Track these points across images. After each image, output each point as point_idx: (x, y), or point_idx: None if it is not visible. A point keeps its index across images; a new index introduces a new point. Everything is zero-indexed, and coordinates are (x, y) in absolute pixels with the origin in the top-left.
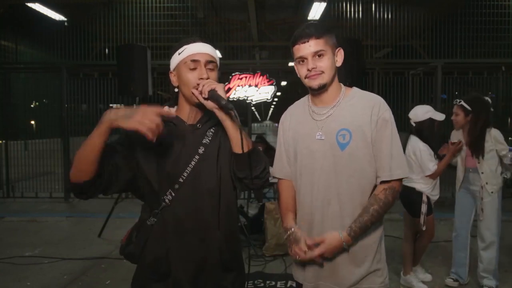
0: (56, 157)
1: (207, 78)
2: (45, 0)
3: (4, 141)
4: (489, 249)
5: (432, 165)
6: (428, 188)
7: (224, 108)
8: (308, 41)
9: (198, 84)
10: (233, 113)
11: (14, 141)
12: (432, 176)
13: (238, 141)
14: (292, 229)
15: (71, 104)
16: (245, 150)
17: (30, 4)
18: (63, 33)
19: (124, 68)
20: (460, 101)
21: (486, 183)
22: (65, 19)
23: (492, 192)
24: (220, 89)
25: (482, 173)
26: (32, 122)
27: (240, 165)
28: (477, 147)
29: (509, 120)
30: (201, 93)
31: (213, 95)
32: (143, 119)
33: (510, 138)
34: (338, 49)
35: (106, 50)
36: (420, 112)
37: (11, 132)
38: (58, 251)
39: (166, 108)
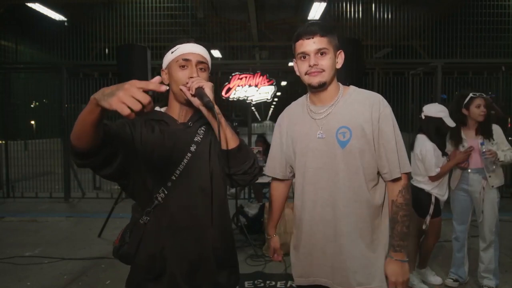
0: (56, 157)
1: (197, 77)
2: (45, 0)
3: (4, 141)
4: (489, 248)
5: (435, 166)
6: (435, 188)
7: (206, 106)
8: (312, 38)
9: (187, 82)
10: (214, 111)
11: (14, 141)
12: (432, 178)
13: (222, 138)
14: (270, 237)
15: (71, 104)
16: (231, 147)
17: (30, 4)
18: (63, 33)
19: (124, 68)
20: (483, 95)
21: (489, 176)
22: (65, 19)
23: (492, 186)
24: (207, 87)
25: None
26: (32, 122)
27: (227, 162)
28: (491, 131)
29: (509, 120)
30: (189, 89)
31: (199, 93)
32: (125, 97)
33: (510, 138)
34: (339, 51)
35: (106, 50)
36: (435, 109)
37: (11, 132)
38: (58, 251)
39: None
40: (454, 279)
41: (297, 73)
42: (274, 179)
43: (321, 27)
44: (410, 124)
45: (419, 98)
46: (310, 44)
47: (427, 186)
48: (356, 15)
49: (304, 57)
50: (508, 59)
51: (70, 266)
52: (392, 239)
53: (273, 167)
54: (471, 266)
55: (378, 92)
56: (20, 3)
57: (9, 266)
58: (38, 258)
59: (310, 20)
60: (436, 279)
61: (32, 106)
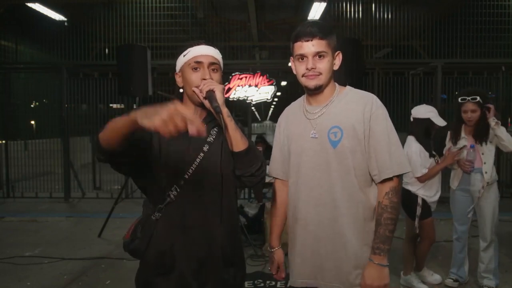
0: (56, 157)
1: (210, 79)
2: (45, 0)
3: (4, 141)
4: (489, 248)
5: (421, 167)
6: (421, 189)
7: (214, 110)
8: (311, 40)
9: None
10: (221, 116)
11: (14, 141)
12: (419, 179)
13: (230, 140)
14: (273, 250)
15: (71, 104)
16: (239, 149)
17: (30, 4)
18: (63, 33)
19: (124, 68)
20: (477, 98)
21: (486, 172)
22: (65, 19)
23: (488, 183)
24: (218, 90)
25: (485, 163)
26: (32, 122)
27: (236, 163)
28: (485, 135)
29: (509, 120)
30: (201, 91)
31: (209, 96)
32: (168, 119)
33: None
34: (337, 52)
35: (106, 50)
36: (423, 110)
37: (11, 132)
38: (58, 251)
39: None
40: (454, 279)
41: (294, 72)
42: (277, 180)
43: (321, 29)
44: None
45: (419, 98)
46: (308, 47)
47: (412, 187)
48: (356, 15)
49: (302, 59)
50: (508, 59)
51: (70, 266)
52: (374, 241)
53: (274, 168)
54: (471, 266)
55: (378, 92)
56: (20, 3)
57: (9, 266)
58: (38, 258)
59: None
60: (435, 279)
61: (32, 106)
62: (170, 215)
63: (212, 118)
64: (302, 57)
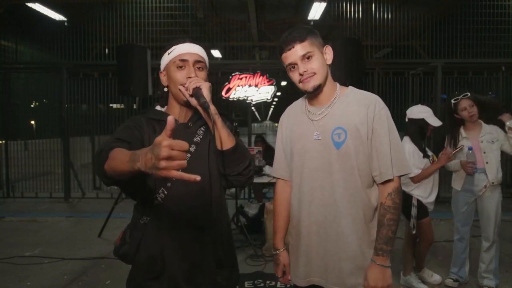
0: (56, 157)
1: (195, 77)
2: (45, 0)
3: (4, 141)
4: (491, 248)
5: (413, 168)
6: (415, 190)
7: (201, 106)
8: (293, 47)
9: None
10: (209, 112)
11: (14, 141)
12: (412, 180)
13: (217, 138)
14: (278, 252)
15: (71, 104)
16: (226, 147)
17: (30, 4)
18: (63, 33)
19: (124, 68)
20: (467, 94)
21: (489, 173)
22: (65, 19)
23: (493, 183)
24: (205, 87)
25: (487, 163)
26: (32, 122)
27: (222, 162)
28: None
29: None
30: (187, 89)
31: (196, 93)
32: (168, 165)
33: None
34: (325, 47)
35: (106, 50)
36: (416, 110)
37: (11, 132)
38: (58, 251)
39: (170, 119)
40: (454, 279)
41: (293, 81)
42: (279, 180)
43: (298, 33)
44: None
45: (419, 98)
46: (293, 54)
47: (407, 188)
48: (356, 15)
49: (293, 67)
50: (508, 59)
51: (70, 266)
52: (376, 242)
53: (278, 168)
54: (471, 266)
55: (378, 92)
56: (20, 3)
57: (9, 266)
58: (38, 258)
59: (309, 21)
60: (435, 279)
61: (32, 106)
62: (159, 218)
63: (198, 118)
64: (293, 65)
